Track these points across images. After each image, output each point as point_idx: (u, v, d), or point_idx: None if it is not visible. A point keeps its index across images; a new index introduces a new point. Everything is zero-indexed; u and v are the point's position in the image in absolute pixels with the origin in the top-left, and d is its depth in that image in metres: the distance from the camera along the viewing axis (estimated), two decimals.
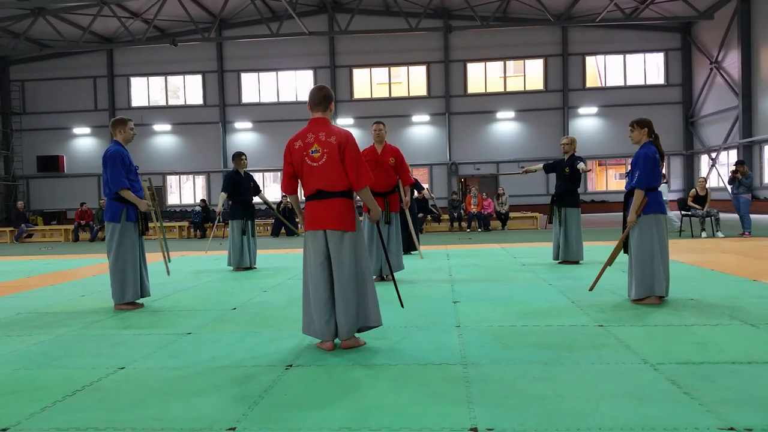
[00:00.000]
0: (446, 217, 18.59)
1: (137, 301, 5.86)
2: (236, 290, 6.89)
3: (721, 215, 13.20)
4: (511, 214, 18.37)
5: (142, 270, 5.84)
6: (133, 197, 5.72)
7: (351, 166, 3.95)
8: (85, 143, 28.61)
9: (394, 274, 7.31)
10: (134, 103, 28.74)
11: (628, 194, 5.39)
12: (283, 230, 18.50)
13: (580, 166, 8.09)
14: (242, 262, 8.80)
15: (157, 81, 28.85)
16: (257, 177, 27.48)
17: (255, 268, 8.99)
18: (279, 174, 28.16)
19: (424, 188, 16.56)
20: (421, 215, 16.60)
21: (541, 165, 8.75)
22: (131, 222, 5.76)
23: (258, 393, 3.16)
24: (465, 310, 5.25)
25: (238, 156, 9.02)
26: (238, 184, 8.93)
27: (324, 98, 4.11)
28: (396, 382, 3.30)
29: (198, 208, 19.24)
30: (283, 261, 10.06)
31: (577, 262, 8.22)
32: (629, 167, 5.47)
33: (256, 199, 9.52)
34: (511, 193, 19.63)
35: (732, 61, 23.02)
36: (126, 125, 5.88)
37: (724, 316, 4.64)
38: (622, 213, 5.57)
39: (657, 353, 3.68)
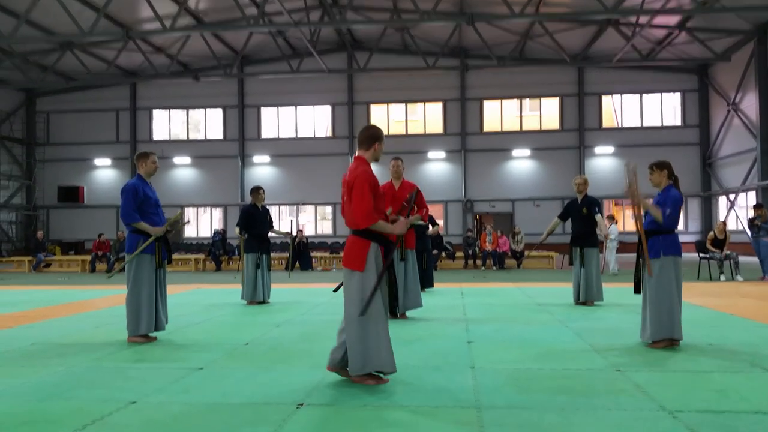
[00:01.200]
0: (461, 254, 18.50)
1: (151, 334, 5.86)
2: (249, 324, 6.87)
3: (741, 258, 13.00)
4: (527, 253, 18.24)
5: (158, 303, 5.84)
6: (146, 226, 5.79)
7: (352, 205, 4.01)
8: (105, 175, 29.05)
9: (413, 310, 7.28)
10: (155, 136, 29.23)
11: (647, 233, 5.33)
12: (297, 264, 18.52)
13: (599, 218, 8.19)
14: (255, 296, 8.78)
15: (178, 114, 29.38)
16: (274, 211, 27.67)
17: (268, 302, 8.97)
18: (295, 208, 28.36)
19: (437, 225, 16.56)
20: (435, 252, 16.54)
21: (555, 220, 8.63)
22: (147, 254, 5.80)
23: None
24: (480, 350, 5.18)
25: (256, 190, 9.09)
26: (254, 218, 8.97)
27: (367, 138, 4.22)
28: (408, 425, 3.25)
29: (218, 237, 19.26)
30: (297, 296, 10.04)
31: (593, 303, 8.11)
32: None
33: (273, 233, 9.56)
34: (526, 231, 19.52)
35: (750, 103, 22.96)
36: (148, 158, 5.99)
37: (745, 363, 4.53)
38: (636, 254, 5.47)
39: (676, 400, 3.59)
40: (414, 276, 7.21)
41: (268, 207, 9.53)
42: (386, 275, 4.08)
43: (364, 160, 4.18)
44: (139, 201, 5.80)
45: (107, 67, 23.89)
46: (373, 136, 4.20)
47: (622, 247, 25.37)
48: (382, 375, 4.08)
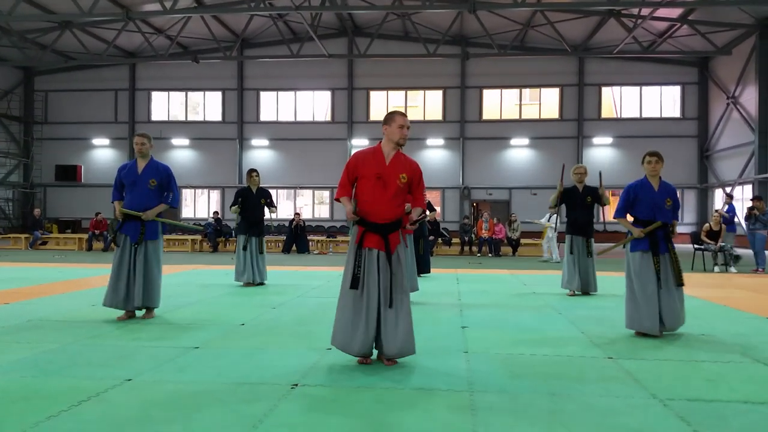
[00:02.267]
0: (457, 240, 18.55)
1: (121, 310, 5.88)
2: (245, 305, 6.90)
3: (738, 250, 13.06)
4: (522, 241, 18.30)
5: (129, 280, 5.83)
6: (116, 205, 6.02)
7: None
8: (103, 154, 28.96)
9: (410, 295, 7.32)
10: (154, 117, 29.12)
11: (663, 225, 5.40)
12: (294, 247, 18.56)
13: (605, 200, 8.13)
14: (242, 277, 8.85)
15: (177, 96, 29.23)
16: (271, 193, 27.62)
17: (263, 284, 9.00)
18: (293, 191, 28.33)
19: (435, 211, 16.56)
20: (432, 238, 16.58)
21: (553, 204, 8.38)
22: (123, 233, 5.91)
23: (263, 412, 3.15)
24: (474, 335, 5.22)
25: (249, 173, 9.13)
26: (246, 200, 9.02)
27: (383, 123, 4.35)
28: (402, 407, 3.28)
29: (212, 221, 19.32)
30: (294, 278, 10.07)
31: (591, 293, 8.12)
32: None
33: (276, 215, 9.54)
34: (523, 219, 19.57)
35: (749, 97, 22.94)
36: (134, 140, 6.06)
37: (736, 354, 4.57)
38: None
39: (667, 388, 3.63)
40: (411, 261, 7.24)
41: (268, 189, 9.50)
42: (360, 258, 4.12)
43: (380, 142, 4.35)
44: (119, 181, 6.02)
45: (106, 48, 23.71)
46: (384, 120, 4.33)
47: (616, 236, 25.43)
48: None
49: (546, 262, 14.76)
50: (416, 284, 7.37)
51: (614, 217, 5.65)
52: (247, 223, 9.00)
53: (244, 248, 8.91)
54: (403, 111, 4.40)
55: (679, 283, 5.26)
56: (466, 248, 18.18)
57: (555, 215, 15.38)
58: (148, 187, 5.96)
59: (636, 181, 5.53)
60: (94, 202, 26.93)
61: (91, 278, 9.78)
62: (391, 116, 4.27)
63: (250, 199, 9.03)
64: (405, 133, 4.21)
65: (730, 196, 15.08)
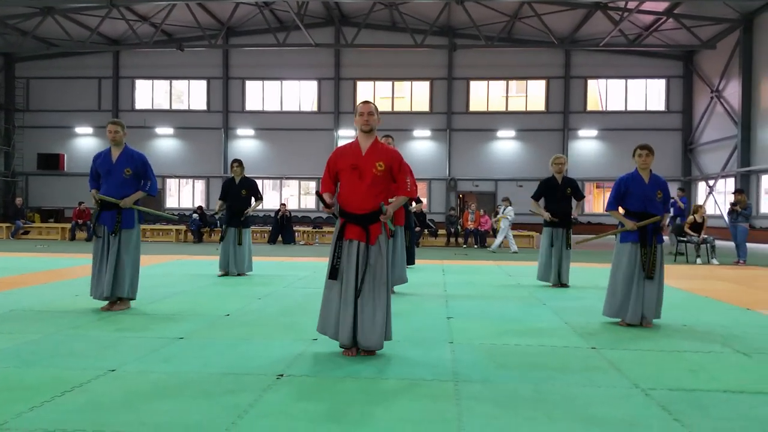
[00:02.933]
0: (443, 232, 18.60)
1: (100, 300, 5.82)
2: (230, 296, 6.88)
3: (717, 242, 13.23)
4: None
5: (103, 270, 5.74)
6: (92, 194, 5.94)
7: None
8: (86, 143, 28.60)
9: (399, 285, 7.32)
10: (138, 105, 28.80)
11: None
12: (280, 238, 18.50)
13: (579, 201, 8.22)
14: (221, 266, 8.85)
15: (161, 84, 28.93)
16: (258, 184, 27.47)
17: (245, 275, 8.95)
18: (279, 182, 28.22)
19: (421, 202, 16.60)
20: (418, 229, 16.61)
21: (534, 201, 8.36)
22: (100, 224, 5.84)
23: (248, 402, 3.15)
24: (459, 326, 5.24)
25: (232, 163, 9.12)
26: (227, 192, 9.04)
27: None
28: (386, 396, 3.29)
29: (195, 216, 19.16)
30: (280, 269, 10.04)
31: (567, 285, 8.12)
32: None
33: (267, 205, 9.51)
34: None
35: (733, 91, 23.17)
36: (107, 128, 5.96)
37: (717, 344, 4.64)
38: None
39: (649, 378, 3.68)
40: (401, 252, 7.24)
41: (253, 180, 9.42)
42: (340, 249, 4.14)
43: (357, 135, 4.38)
44: (95, 170, 5.96)
45: (90, 35, 23.37)
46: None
47: (600, 228, 25.61)
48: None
49: (494, 253, 15.15)
50: (405, 276, 7.36)
51: (606, 210, 5.71)
52: (229, 214, 8.99)
53: (222, 239, 8.94)
54: (370, 100, 4.40)
55: (649, 276, 5.32)
56: (452, 239, 18.23)
57: (509, 208, 15.79)
58: (124, 176, 5.87)
59: (627, 174, 5.58)
60: (77, 191, 26.59)
61: (74, 268, 9.68)
62: (357, 106, 4.32)
63: (232, 190, 9.00)
64: (365, 119, 4.22)
65: (682, 190, 17.00)
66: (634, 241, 5.38)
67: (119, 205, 5.79)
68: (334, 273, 4.12)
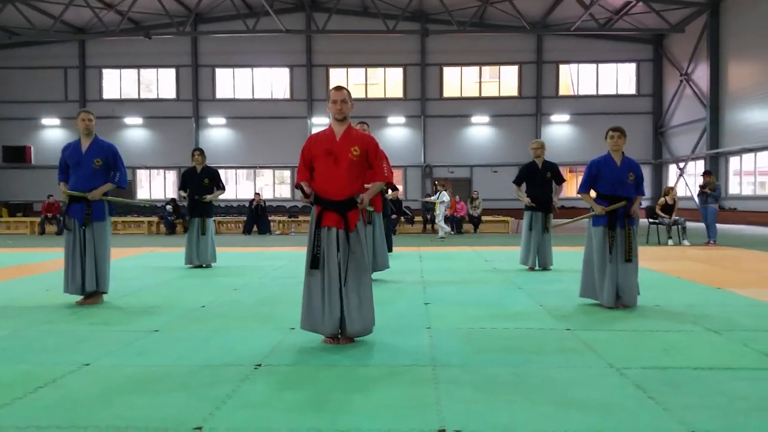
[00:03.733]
0: (419, 219, 18.65)
1: (77, 296, 5.72)
2: (205, 288, 6.81)
3: (688, 224, 13.48)
4: (484, 218, 18.51)
5: (77, 264, 5.64)
6: (62, 187, 5.80)
7: None
8: (54, 134, 27.99)
9: (381, 272, 7.31)
10: (106, 95, 28.25)
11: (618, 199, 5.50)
12: (255, 228, 18.37)
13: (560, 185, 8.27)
14: (186, 259, 8.72)
15: (129, 74, 28.39)
16: (230, 174, 27.22)
17: (209, 266, 8.81)
18: (253, 171, 27.97)
19: (397, 190, 16.61)
20: (395, 216, 16.61)
21: (516, 186, 8.50)
22: (70, 217, 5.72)
23: (225, 393, 3.12)
24: (436, 312, 5.27)
25: (193, 152, 8.93)
26: (187, 181, 8.89)
27: None
28: (366, 383, 3.29)
29: (169, 207, 18.89)
30: (255, 260, 9.97)
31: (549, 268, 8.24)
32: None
33: (228, 196, 9.37)
34: (484, 197, 19.78)
35: (701, 74, 23.54)
36: (78, 117, 5.82)
37: (689, 323, 4.73)
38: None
39: (622, 358, 3.74)
40: (381, 239, 7.22)
41: (218, 169, 9.27)
42: (319, 237, 4.10)
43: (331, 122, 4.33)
44: (64, 161, 5.81)
45: (53, 23, 22.78)
46: None
47: (574, 212, 25.90)
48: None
49: (443, 239, 15.01)
50: (387, 262, 7.35)
51: (578, 193, 5.75)
52: (191, 204, 8.82)
53: (186, 230, 8.80)
54: (343, 85, 4.33)
55: (627, 259, 5.38)
56: (429, 226, 18.29)
57: (444, 192, 15.97)
58: (93, 167, 5.74)
59: (599, 157, 5.63)
60: (46, 184, 26.05)
61: (45, 263, 9.49)
62: (329, 92, 4.28)
63: (194, 179, 8.83)
64: (338, 108, 4.19)
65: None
66: (606, 225, 5.44)
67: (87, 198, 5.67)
68: (315, 262, 4.07)
